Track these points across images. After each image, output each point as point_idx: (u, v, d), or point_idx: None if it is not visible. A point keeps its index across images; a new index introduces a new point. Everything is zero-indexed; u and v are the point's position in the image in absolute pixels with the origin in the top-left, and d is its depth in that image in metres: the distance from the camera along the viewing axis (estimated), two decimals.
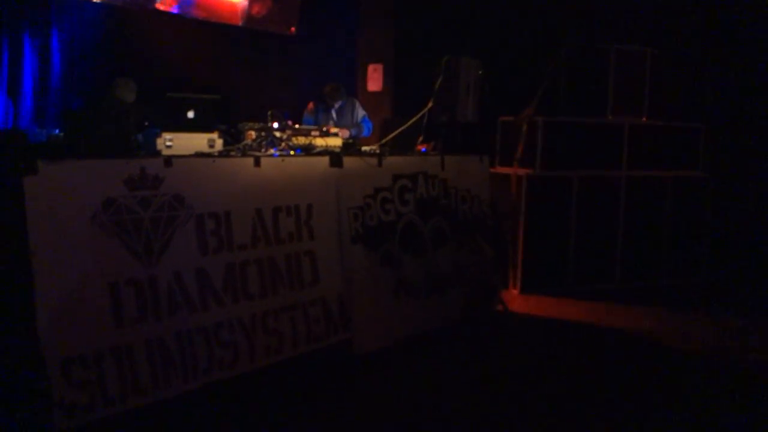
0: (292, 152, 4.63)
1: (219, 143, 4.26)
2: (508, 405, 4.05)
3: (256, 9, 9.35)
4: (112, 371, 3.38)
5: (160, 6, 8.33)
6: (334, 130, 5.98)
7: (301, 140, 4.85)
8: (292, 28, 9.56)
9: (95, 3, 7.82)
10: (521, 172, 6.54)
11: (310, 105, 6.79)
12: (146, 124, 4.16)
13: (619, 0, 7.59)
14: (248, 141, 4.54)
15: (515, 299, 6.29)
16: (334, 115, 6.72)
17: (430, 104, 5.53)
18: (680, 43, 7.50)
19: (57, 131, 4.12)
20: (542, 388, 4.31)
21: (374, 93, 8.67)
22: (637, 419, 3.89)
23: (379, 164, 4.89)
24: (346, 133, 6.29)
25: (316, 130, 5.16)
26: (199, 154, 4.04)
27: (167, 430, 3.55)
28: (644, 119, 6.98)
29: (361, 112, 6.83)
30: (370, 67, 9.01)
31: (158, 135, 3.96)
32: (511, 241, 6.46)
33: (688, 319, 5.96)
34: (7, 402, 3.23)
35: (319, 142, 4.92)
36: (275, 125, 4.88)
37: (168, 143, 3.98)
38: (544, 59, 6.96)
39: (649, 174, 7.01)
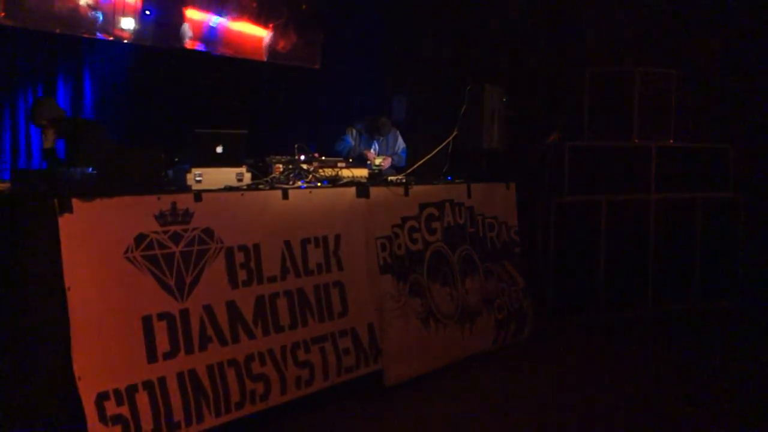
0: (319, 184, 4.68)
1: (247, 177, 4.31)
2: None
3: (281, 44, 9.53)
4: (146, 406, 3.40)
5: (187, 45, 8.53)
6: (378, 160, 6.24)
7: (328, 172, 4.90)
8: (317, 65, 9.71)
9: (125, 44, 8.02)
10: (549, 198, 6.51)
11: (351, 128, 6.92)
12: (176, 159, 4.22)
13: (642, 21, 7.59)
14: (276, 174, 4.60)
15: (546, 326, 6.21)
16: (376, 144, 6.87)
17: (455, 133, 5.56)
18: (705, 63, 7.45)
19: (90, 169, 4.19)
20: (577, 418, 4.23)
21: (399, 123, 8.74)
22: None
23: (406, 193, 4.91)
24: (389, 161, 6.56)
25: (342, 161, 5.22)
26: (228, 188, 4.09)
27: None
28: (671, 141, 6.92)
29: (401, 144, 6.98)
30: (395, 98, 9.12)
31: (188, 170, 4.03)
32: (540, 268, 6.41)
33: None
34: None
35: (346, 173, 4.96)
36: (302, 158, 4.95)
37: (197, 178, 4.05)
38: (567, 84, 6.96)
39: (679, 196, 6.93)
